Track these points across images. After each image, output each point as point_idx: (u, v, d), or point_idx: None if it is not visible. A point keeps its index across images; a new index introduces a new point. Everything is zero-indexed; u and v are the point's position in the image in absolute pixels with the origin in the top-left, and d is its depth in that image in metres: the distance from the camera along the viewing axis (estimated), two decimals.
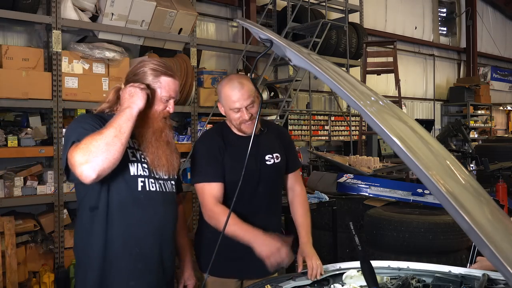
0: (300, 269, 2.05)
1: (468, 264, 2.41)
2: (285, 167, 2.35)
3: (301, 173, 2.62)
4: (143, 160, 1.83)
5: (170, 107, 1.87)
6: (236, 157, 2.17)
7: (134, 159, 1.81)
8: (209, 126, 6.01)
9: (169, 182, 1.93)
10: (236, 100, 2.12)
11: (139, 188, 1.80)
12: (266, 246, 1.93)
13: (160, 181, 1.88)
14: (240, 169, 2.08)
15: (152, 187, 1.84)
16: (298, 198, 2.38)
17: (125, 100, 1.73)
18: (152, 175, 1.85)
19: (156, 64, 1.85)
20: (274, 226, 2.32)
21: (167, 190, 1.91)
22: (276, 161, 2.29)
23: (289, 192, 2.42)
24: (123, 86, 1.88)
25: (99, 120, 1.78)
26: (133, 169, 1.80)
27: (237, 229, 2.02)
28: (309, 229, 2.27)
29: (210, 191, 2.11)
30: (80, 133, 1.68)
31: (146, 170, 1.83)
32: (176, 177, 1.99)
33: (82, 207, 1.83)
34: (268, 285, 1.94)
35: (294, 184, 2.41)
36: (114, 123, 1.65)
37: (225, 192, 2.17)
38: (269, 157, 2.28)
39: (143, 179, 1.81)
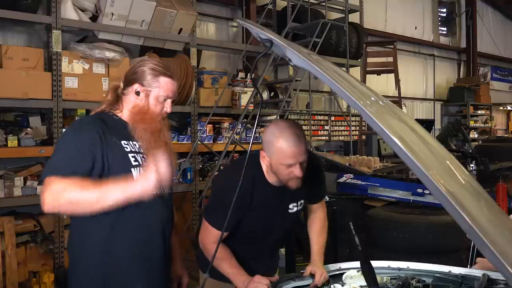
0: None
1: (468, 265, 2.41)
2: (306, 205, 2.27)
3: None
4: (144, 163, 1.82)
5: (168, 107, 1.87)
6: (261, 211, 2.07)
7: (136, 163, 1.81)
8: (209, 126, 6.02)
9: None
10: (292, 155, 1.89)
11: None
12: (244, 286, 1.97)
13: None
14: (261, 221, 2.11)
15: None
16: (318, 220, 2.31)
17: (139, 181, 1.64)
18: None
19: (155, 64, 1.86)
20: (274, 265, 2.35)
21: (165, 192, 1.91)
22: (299, 208, 2.19)
23: (311, 214, 2.34)
24: (121, 85, 1.89)
25: (99, 126, 1.76)
26: (135, 174, 1.79)
27: (224, 264, 2.04)
28: (323, 249, 2.24)
29: (214, 236, 2.03)
30: (69, 159, 1.66)
31: None
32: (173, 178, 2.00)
33: (84, 220, 1.76)
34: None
35: (318, 209, 2.33)
36: (107, 189, 1.59)
37: (238, 238, 2.11)
38: (293, 205, 2.16)
39: None
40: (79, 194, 1.58)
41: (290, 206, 2.15)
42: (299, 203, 2.18)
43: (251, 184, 2.03)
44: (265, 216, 2.11)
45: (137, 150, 1.83)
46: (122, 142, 1.80)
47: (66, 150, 1.71)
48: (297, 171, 1.92)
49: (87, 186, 1.60)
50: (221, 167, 5.99)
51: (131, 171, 1.78)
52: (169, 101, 1.87)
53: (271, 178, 2.05)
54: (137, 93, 1.84)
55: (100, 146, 1.73)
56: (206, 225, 2.07)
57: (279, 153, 1.90)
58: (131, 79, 1.86)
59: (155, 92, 1.83)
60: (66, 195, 1.57)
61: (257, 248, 2.19)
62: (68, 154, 1.70)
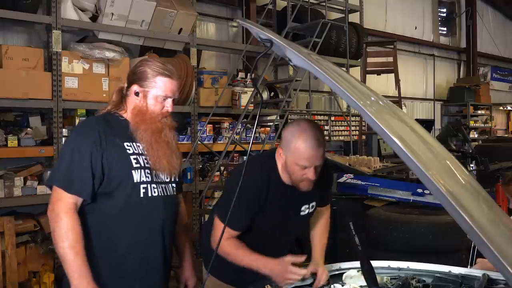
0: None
1: (469, 265, 2.41)
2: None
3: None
4: (146, 165, 1.83)
5: (168, 106, 1.86)
6: (274, 210, 2.06)
7: (138, 165, 1.81)
8: (209, 126, 6.02)
9: (170, 185, 1.92)
10: (308, 158, 1.89)
11: (141, 195, 1.80)
12: (274, 272, 1.94)
13: (161, 185, 1.87)
14: (272, 221, 2.09)
15: (154, 192, 1.84)
16: (322, 221, 2.31)
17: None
18: (154, 180, 1.85)
19: (153, 64, 1.85)
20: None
21: (168, 194, 1.90)
22: (310, 210, 2.18)
23: (315, 214, 2.29)
24: (125, 85, 1.89)
25: (102, 127, 1.78)
26: (136, 176, 1.79)
27: (240, 255, 2.00)
28: (324, 248, 2.24)
29: (228, 234, 1.98)
30: (71, 170, 1.71)
31: (148, 175, 1.83)
32: (177, 179, 1.99)
33: (81, 211, 1.77)
34: (268, 285, 1.95)
35: (323, 211, 2.31)
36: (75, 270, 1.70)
37: (250, 237, 2.08)
38: (305, 207, 2.15)
39: (145, 185, 1.81)
40: (68, 253, 1.68)
41: (303, 208, 2.13)
42: (311, 205, 2.16)
43: (267, 181, 2.02)
44: (277, 216, 2.09)
45: (140, 152, 1.83)
46: (125, 144, 1.81)
47: (69, 158, 1.74)
48: (310, 174, 1.91)
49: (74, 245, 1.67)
50: (221, 167, 6.00)
51: (131, 173, 1.78)
52: (169, 100, 1.86)
53: (285, 177, 2.04)
54: (136, 94, 1.84)
55: (100, 148, 1.74)
56: (220, 227, 2.01)
57: (296, 152, 1.89)
58: (131, 80, 1.86)
59: (153, 92, 1.83)
60: (67, 244, 1.67)
61: (270, 247, 2.14)
62: (70, 163, 1.73)
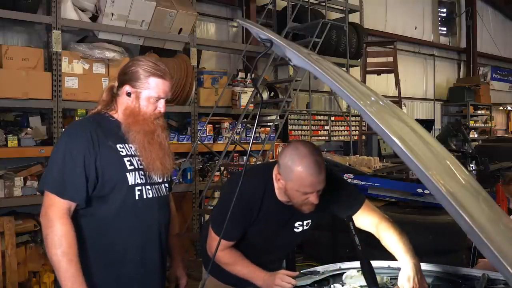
0: None
1: (470, 265, 2.41)
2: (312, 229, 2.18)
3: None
4: (140, 167, 1.80)
5: (161, 107, 1.83)
6: (266, 224, 2.04)
7: (132, 167, 1.78)
8: (209, 126, 6.02)
9: (163, 185, 1.91)
10: (310, 185, 1.82)
11: (137, 197, 1.78)
12: (267, 283, 1.94)
13: (155, 186, 1.86)
14: (264, 236, 2.08)
15: (149, 194, 1.82)
16: (386, 225, 2.15)
17: None
18: (148, 182, 1.83)
19: (146, 64, 1.81)
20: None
21: (162, 194, 1.89)
22: (305, 228, 2.14)
23: (374, 229, 2.15)
24: (116, 84, 1.86)
25: (94, 130, 1.75)
26: (131, 179, 1.77)
27: (238, 267, 2.02)
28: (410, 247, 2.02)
29: (222, 245, 1.95)
30: (63, 175, 1.68)
31: (142, 177, 1.81)
32: (169, 179, 1.98)
33: (75, 214, 1.74)
34: None
35: (377, 222, 2.12)
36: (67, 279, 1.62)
37: (245, 247, 2.07)
38: (298, 224, 2.11)
39: (140, 188, 1.79)
40: (61, 261, 1.63)
41: (296, 224, 2.10)
42: (305, 223, 2.12)
43: (261, 196, 1.99)
44: (269, 231, 2.08)
45: (133, 153, 1.80)
46: (118, 146, 1.78)
47: (61, 162, 1.70)
48: (313, 199, 1.86)
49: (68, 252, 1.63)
50: (221, 167, 6.00)
51: (126, 176, 1.76)
52: (162, 100, 1.83)
53: (282, 197, 1.99)
54: (128, 94, 1.80)
55: (92, 151, 1.71)
56: (214, 238, 2.03)
57: (297, 180, 1.83)
58: (122, 79, 1.82)
59: (146, 93, 1.79)
60: (60, 251, 1.62)
61: (263, 261, 2.12)
62: (63, 166, 1.69)
